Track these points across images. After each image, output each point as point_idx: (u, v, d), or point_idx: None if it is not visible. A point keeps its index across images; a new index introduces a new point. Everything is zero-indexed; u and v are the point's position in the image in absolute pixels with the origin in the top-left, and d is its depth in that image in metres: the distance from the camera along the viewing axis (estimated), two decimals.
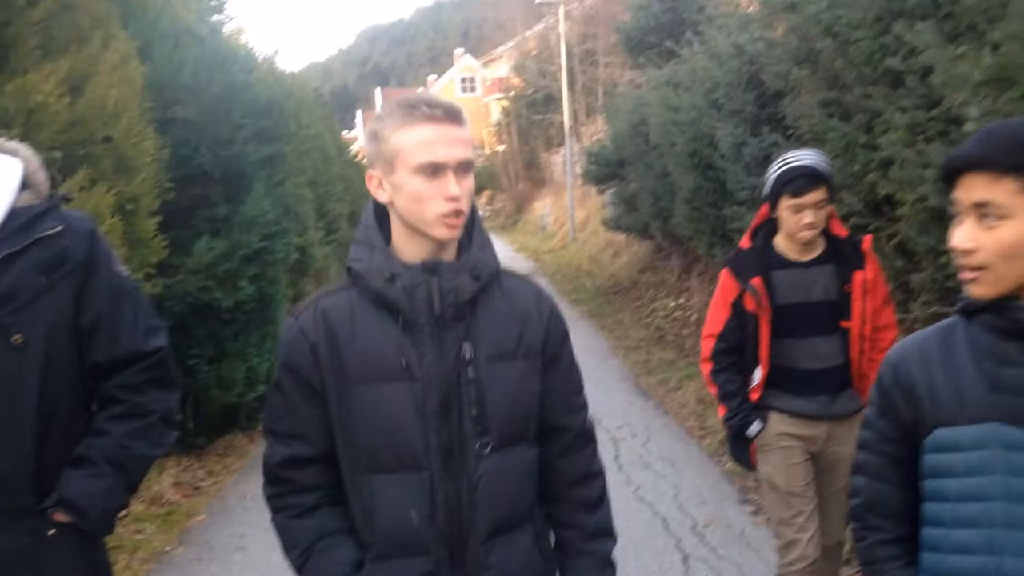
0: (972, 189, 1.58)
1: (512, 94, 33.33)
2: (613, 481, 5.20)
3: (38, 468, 1.86)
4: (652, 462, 5.99)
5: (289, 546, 1.86)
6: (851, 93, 5.23)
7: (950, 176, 1.62)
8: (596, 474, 1.98)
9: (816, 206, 3.08)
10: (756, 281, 3.16)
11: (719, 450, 6.06)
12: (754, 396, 3.25)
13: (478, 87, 51.18)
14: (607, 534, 1.97)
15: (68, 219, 1.92)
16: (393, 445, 1.75)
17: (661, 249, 13.84)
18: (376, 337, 1.76)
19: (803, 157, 3.17)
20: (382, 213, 1.82)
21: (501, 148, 34.64)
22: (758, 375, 3.24)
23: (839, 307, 3.16)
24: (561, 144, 26.30)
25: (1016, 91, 3.34)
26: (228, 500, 5.75)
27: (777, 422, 3.23)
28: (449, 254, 1.80)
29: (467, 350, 1.76)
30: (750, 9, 8.56)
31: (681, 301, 11.66)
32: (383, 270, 1.75)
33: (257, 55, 7.20)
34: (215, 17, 7.62)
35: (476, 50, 55.47)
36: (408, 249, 1.78)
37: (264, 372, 6.70)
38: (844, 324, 3.16)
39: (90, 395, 2.01)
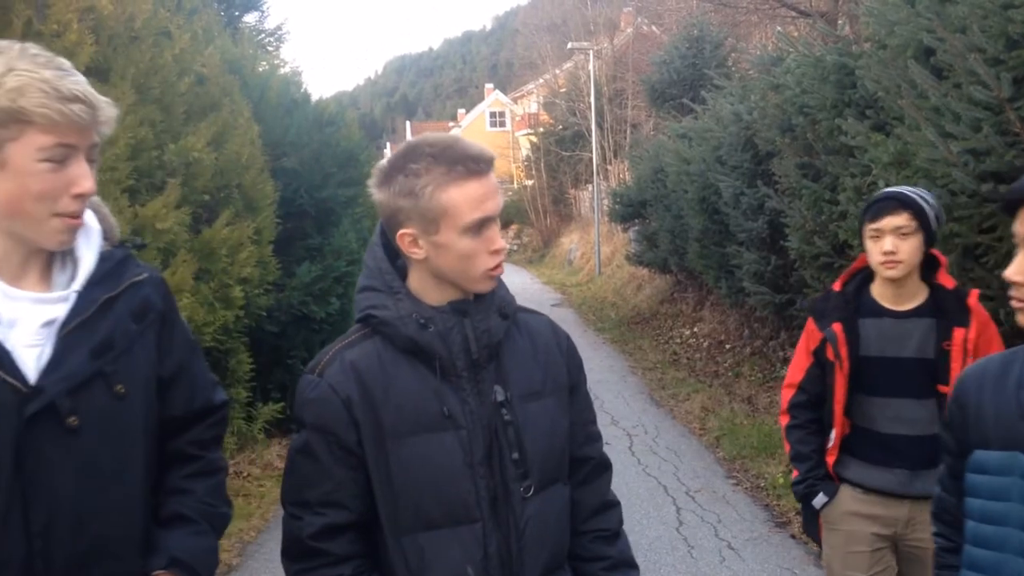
0: None
1: (541, 130, 33.16)
2: (626, 463, 6.78)
3: (145, 528, 1.72)
4: (659, 450, 7.36)
5: None
6: (819, 159, 6.66)
7: (1011, 208, 1.59)
8: (613, 503, 1.94)
9: (896, 233, 2.68)
10: (836, 327, 2.82)
11: (714, 444, 7.45)
12: (830, 459, 2.92)
13: (507, 122, 51.40)
14: (630, 565, 1.90)
15: (145, 267, 1.79)
16: (443, 499, 1.64)
17: (679, 283, 15.02)
18: (412, 387, 1.65)
19: (894, 188, 2.88)
20: (391, 255, 1.71)
21: (529, 183, 34.69)
22: (832, 435, 2.90)
23: (935, 367, 2.70)
24: (588, 180, 26.54)
25: (909, 170, 4.75)
26: None
27: (847, 498, 2.87)
28: (470, 294, 1.72)
29: (499, 392, 1.69)
30: (750, 72, 10.01)
31: (695, 329, 12.90)
32: (414, 316, 1.65)
33: (345, 115, 8.69)
34: (275, 62, 8.95)
35: (505, 84, 55.91)
36: (432, 294, 1.69)
37: None
38: (942, 388, 2.67)
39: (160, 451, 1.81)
